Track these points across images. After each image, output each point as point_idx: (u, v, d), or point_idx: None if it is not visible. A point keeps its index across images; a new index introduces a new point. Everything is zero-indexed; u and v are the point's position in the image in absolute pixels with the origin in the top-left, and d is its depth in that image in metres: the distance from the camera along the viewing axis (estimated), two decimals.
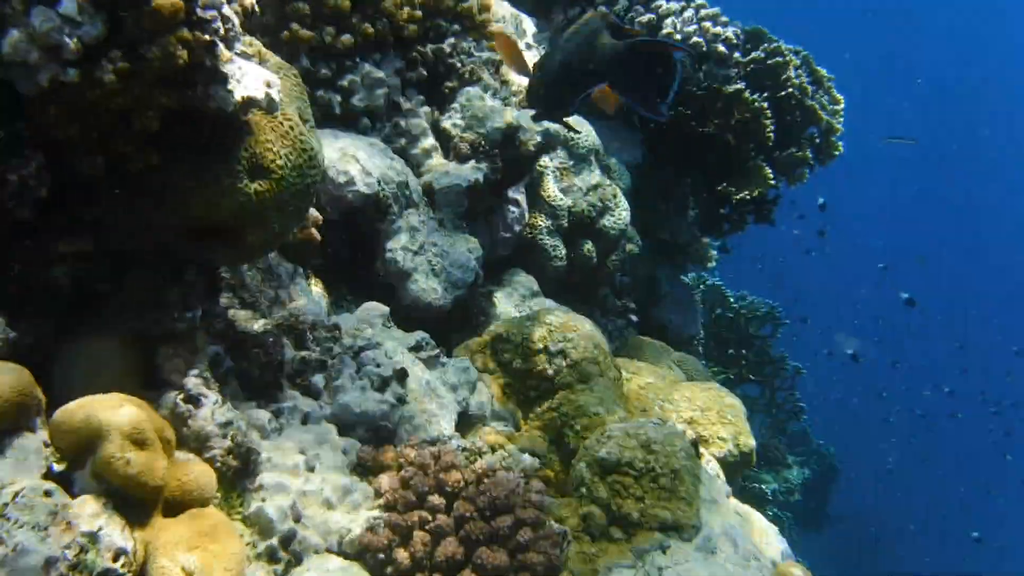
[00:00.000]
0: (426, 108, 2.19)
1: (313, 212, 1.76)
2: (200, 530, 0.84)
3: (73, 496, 0.85)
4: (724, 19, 3.06)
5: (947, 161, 20.14)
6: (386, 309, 1.76)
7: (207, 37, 0.99)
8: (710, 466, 2.16)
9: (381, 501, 1.28)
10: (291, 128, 1.38)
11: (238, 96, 1.14)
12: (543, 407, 1.75)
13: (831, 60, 3.45)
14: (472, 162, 2.19)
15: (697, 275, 5.01)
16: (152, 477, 0.81)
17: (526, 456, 1.54)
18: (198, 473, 0.89)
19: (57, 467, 0.87)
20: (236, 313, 1.36)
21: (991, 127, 21.81)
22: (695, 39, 2.99)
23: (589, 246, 2.56)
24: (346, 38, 1.94)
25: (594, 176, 2.61)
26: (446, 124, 2.22)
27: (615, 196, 2.64)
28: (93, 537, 0.81)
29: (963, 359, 12.05)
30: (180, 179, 1.18)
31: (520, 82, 2.38)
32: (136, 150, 1.10)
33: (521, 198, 2.35)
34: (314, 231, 1.71)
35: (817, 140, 3.59)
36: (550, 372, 1.77)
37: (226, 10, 1.03)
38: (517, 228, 2.32)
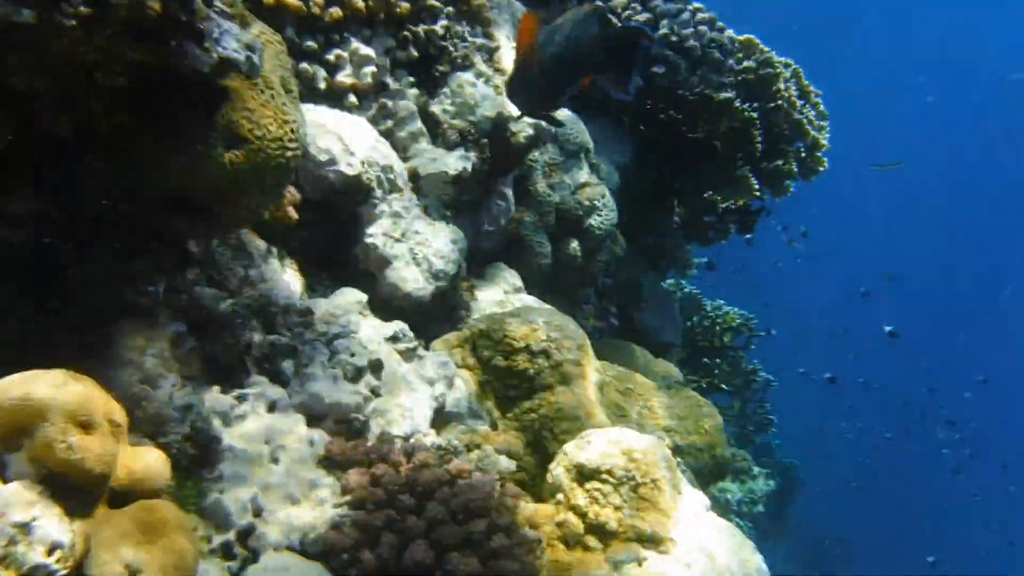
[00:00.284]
0: (415, 91, 2.11)
1: (291, 190, 1.68)
2: (148, 523, 0.76)
3: (6, 481, 0.76)
4: (720, 24, 3.03)
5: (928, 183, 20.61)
6: (363, 296, 1.68)
7: None
8: (685, 475, 2.12)
9: (349, 498, 1.20)
10: (272, 97, 1.30)
11: (215, 57, 1.06)
12: (522, 407, 1.68)
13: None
14: (460, 150, 2.12)
15: (676, 281, 5.00)
16: (97, 464, 0.73)
17: (503, 458, 1.48)
18: (150, 461, 0.81)
19: None
20: (203, 291, 1.27)
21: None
22: (691, 42, 2.95)
23: (575, 245, 2.50)
24: (334, 10, 1.85)
25: (583, 174, 2.56)
26: (435, 109, 2.14)
27: (603, 196, 2.59)
28: (25, 528, 0.72)
29: (931, 379, 12.28)
30: (150, 144, 1.09)
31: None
32: (104, 109, 1.02)
33: (508, 191, 2.29)
34: (291, 210, 1.63)
35: (803, 154, 3.59)
36: (531, 372, 1.71)
37: None
38: (503, 221, 2.25)
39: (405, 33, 2.05)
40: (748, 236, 3.85)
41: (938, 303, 19.90)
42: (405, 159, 2.05)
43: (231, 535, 1.01)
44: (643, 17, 2.92)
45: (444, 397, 1.57)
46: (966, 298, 20.77)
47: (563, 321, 1.85)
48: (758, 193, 3.42)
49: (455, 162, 2.06)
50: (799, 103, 3.47)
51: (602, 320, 2.88)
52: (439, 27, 2.14)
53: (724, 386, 5.15)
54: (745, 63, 3.28)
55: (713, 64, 3.00)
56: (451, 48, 2.19)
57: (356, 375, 1.39)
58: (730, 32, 3.05)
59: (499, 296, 2.13)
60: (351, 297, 1.65)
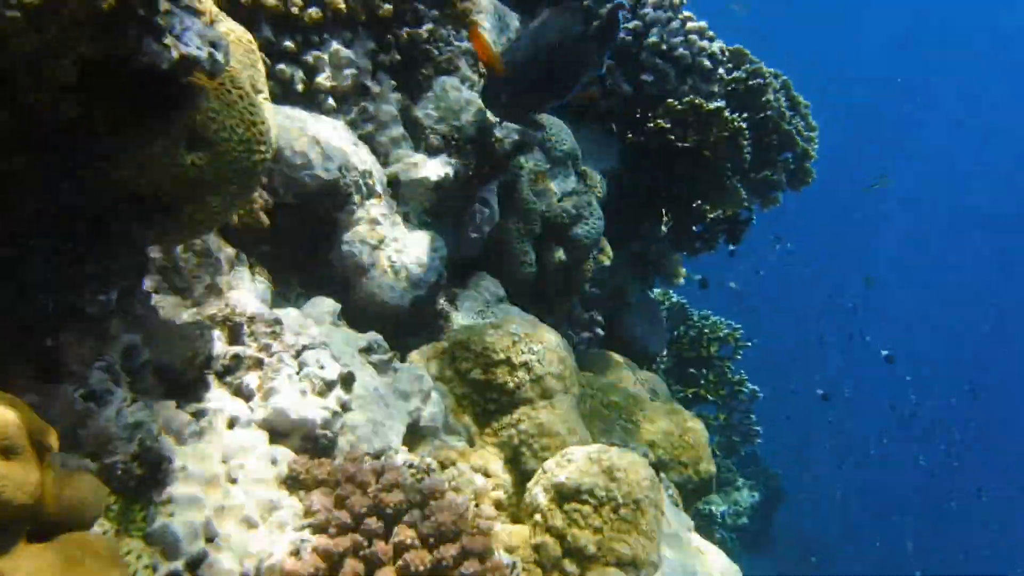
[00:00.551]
0: (397, 95, 2.05)
1: (263, 194, 1.61)
2: (72, 558, 0.69)
3: None
4: (711, 34, 3.00)
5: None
6: (337, 306, 1.61)
7: None
8: (669, 492, 2.07)
9: (311, 520, 1.13)
10: (240, 98, 1.24)
11: (175, 54, 1.00)
12: (501, 422, 1.62)
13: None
14: (443, 156, 2.06)
15: (663, 291, 4.97)
16: (17, 495, 0.66)
17: (478, 476, 1.41)
18: (83, 489, 0.74)
19: None
20: (162, 299, 1.21)
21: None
22: (680, 51, 2.92)
23: (560, 254, 2.45)
24: (314, 11, 1.80)
25: (570, 182, 2.51)
26: (418, 114, 2.09)
27: (590, 204, 2.54)
28: None
29: (917, 391, 12.33)
30: (103, 141, 1.03)
31: None
32: (50, 103, 0.96)
33: (492, 198, 2.23)
34: (262, 215, 1.56)
35: (792, 166, 3.57)
36: (511, 385, 1.65)
37: None
38: (486, 229, 2.19)
39: (388, 37, 2.00)
40: (732, 247, 3.82)
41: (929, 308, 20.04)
42: (386, 164, 1.99)
43: (179, 563, 0.94)
44: (632, 24, 2.89)
45: (419, 412, 1.50)
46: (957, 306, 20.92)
47: (546, 333, 1.79)
48: (746, 203, 3.39)
49: (437, 168, 2.01)
50: (788, 114, 3.46)
51: (587, 330, 2.83)
52: (423, 30, 2.09)
53: (710, 396, 5.11)
54: (735, 73, 3.25)
55: (703, 73, 2.97)
56: (435, 51, 2.14)
57: (325, 389, 1.32)
58: (720, 42, 3.02)
59: (480, 307, 2.07)
60: (324, 307, 1.58)
